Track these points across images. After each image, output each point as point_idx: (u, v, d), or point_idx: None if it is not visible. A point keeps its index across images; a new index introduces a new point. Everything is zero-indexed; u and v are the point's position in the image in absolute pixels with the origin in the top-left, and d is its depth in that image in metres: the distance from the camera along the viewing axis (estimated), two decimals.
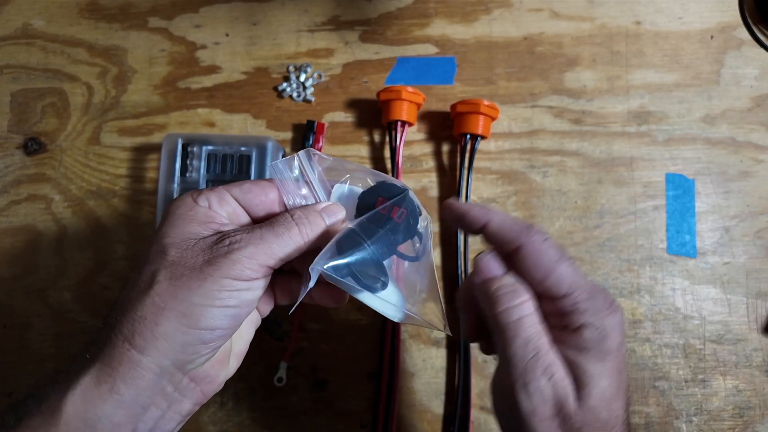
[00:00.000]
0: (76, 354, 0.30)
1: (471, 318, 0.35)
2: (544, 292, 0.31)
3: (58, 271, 0.52)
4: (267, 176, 0.34)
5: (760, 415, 0.48)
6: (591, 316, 0.30)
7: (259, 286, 0.31)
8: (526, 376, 0.29)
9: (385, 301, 0.33)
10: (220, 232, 0.31)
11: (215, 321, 0.29)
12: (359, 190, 0.35)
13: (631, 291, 0.50)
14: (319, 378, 0.50)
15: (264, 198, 0.33)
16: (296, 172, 0.34)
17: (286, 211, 0.33)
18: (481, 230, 0.33)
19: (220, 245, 0.29)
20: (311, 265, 0.30)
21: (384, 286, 0.33)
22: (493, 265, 0.32)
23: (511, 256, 0.32)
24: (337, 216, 0.33)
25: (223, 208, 0.32)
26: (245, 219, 0.33)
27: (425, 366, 0.50)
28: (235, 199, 0.33)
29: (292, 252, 0.31)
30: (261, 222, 0.33)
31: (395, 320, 0.34)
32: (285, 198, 0.34)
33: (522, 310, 0.30)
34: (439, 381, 0.49)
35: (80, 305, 0.52)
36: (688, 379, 0.49)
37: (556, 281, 0.31)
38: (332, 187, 0.35)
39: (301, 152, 0.34)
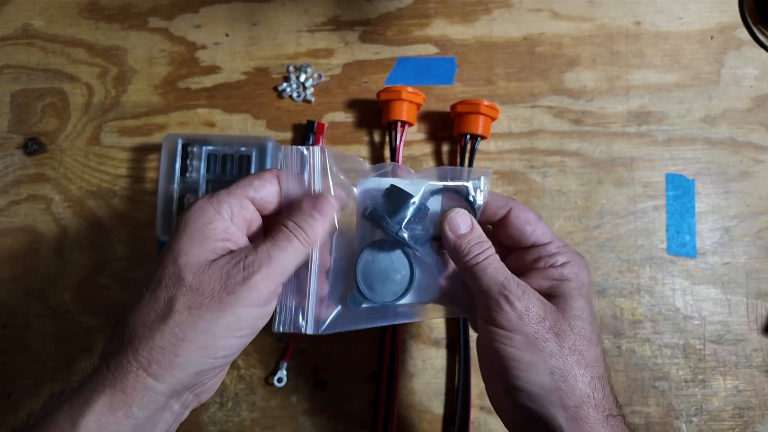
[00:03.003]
0: (84, 377, 0.30)
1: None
2: (535, 241, 0.37)
3: (58, 271, 0.52)
4: (279, 158, 0.36)
5: (760, 415, 0.48)
6: (571, 257, 0.36)
7: (272, 309, 0.32)
8: (505, 291, 0.33)
9: (411, 299, 0.37)
10: (232, 252, 0.31)
11: (232, 349, 0.30)
12: (386, 181, 0.37)
13: (631, 291, 0.50)
14: (319, 378, 0.50)
15: (275, 191, 0.34)
16: (305, 167, 0.35)
17: (282, 222, 0.33)
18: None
19: (236, 270, 0.30)
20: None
21: (409, 288, 0.36)
22: (463, 222, 0.36)
23: (500, 221, 0.38)
24: (328, 209, 0.34)
25: (243, 217, 0.33)
26: (257, 223, 0.35)
27: (425, 366, 0.50)
28: (252, 201, 0.34)
29: (299, 260, 0.32)
30: (268, 216, 0.35)
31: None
32: (283, 188, 0.34)
33: (487, 252, 0.35)
34: (439, 381, 0.49)
35: (80, 305, 0.52)
36: (688, 379, 0.49)
37: (542, 232, 0.37)
38: (350, 182, 0.36)
39: (316, 148, 0.35)
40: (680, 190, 0.52)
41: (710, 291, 0.50)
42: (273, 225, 0.35)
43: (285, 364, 0.49)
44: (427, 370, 0.50)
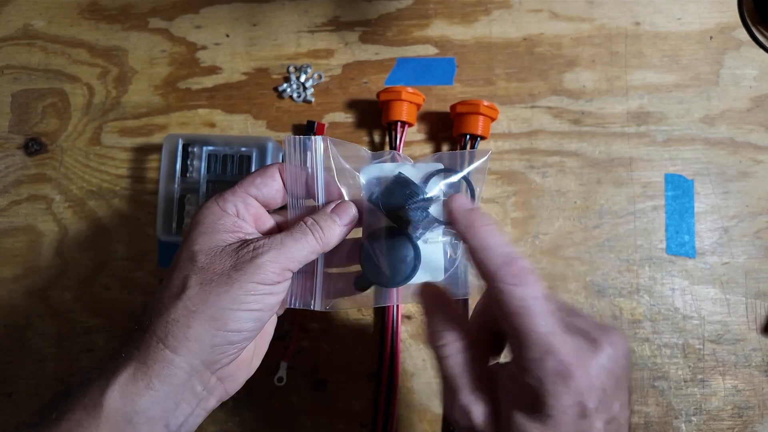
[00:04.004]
0: (112, 353, 0.32)
1: None
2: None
3: (58, 271, 0.52)
4: (283, 148, 0.37)
5: (759, 414, 0.48)
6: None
7: (281, 290, 0.33)
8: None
9: (419, 277, 0.37)
10: (245, 240, 0.33)
11: (241, 323, 0.32)
12: (388, 167, 0.37)
13: (630, 291, 0.50)
14: (319, 378, 0.50)
15: (278, 187, 0.36)
16: (308, 155, 0.36)
17: (303, 219, 0.35)
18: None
19: (245, 250, 0.32)
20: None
21: (414, 272, 0.36)
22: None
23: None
24: (348, 215, 0.36)
25: (249, 212, 0.35)
26: (268, 220, 0.36)
27: (425, 366, 0.50)
28: (255, 199, 0.35)
29: (311, 255, 0.34)
30: (275, 211, 0.37)
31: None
32: (287, 181, 0.36)
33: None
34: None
35: (81, 305, 0.52)
36: (687, 378, 0.49)
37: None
38: (354, 169, 0.37)
39: (318, 137, 0.36)
40: (679, 190, 0.52)
41: (709, 291, 0.50)
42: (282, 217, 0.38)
43: (285, 364, 0.50)
44: (427, 370, 0.50)
